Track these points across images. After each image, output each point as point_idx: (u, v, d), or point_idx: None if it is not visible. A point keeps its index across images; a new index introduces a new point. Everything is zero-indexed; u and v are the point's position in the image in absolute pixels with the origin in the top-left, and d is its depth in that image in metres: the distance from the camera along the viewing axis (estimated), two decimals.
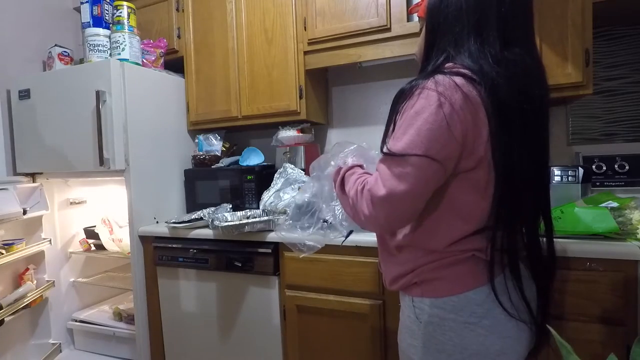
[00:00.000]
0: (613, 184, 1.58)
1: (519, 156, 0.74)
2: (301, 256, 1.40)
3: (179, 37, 2.06)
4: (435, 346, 0.80)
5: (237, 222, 1.55)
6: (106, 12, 1.86)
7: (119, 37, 1.80)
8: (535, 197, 0.82)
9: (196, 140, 2.11)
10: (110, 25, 1.86)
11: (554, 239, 0.86)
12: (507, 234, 0.77)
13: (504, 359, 0.78)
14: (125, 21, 1.83)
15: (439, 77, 0.72)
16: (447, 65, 0.77)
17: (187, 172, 2.03)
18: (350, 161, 0.98)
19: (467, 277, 0.79)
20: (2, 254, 1.68)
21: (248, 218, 1.60)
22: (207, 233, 1.66)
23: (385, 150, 0.74)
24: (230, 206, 1.79)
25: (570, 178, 1.38)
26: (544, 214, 0.85)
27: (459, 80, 0.71)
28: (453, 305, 0.78)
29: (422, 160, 0.70)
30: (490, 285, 0.77)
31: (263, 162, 1.97)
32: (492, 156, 0.73)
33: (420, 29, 0.92)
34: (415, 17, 1.63)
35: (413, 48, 1.60)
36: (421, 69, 0.85)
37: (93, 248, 2.11)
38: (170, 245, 1.75)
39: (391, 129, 0.77)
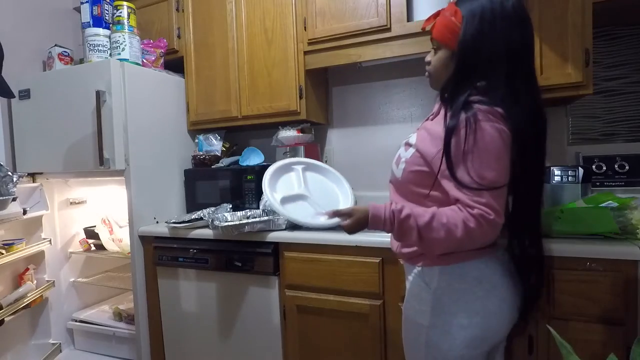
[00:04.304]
0: (613, 184, 1.58)
1: (528, 171, 0.92)
2: None
3: (179, 37, 2.06)
4: (442, 308, 0.93)
5: (237, 222, 1.55)
6: (106, 12, 1.86)
7: (119, 37, 1.80)
8: (533, 200, 0.97)
9: (196, 140, 2.11)
10: (110, 25, 1.85)
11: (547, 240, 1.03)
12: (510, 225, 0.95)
13: (500, 319, 0.94)
14: (125, 21, 1.83)
15: (484, 108, 0.84)
16: (474, 93, 0.88)
17: (187, 172, 2.03)
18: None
19: (470, 249, 0.91)
20: (2, 254, 1.68)
21: (248, 218, 1.60)
22: (207, 233, 1.66)
23: (475, 186, 0.83)
24: (230, 206, 1.79)
25: (570, 178, 1.38)
26: (537, 213, 0.98)
27: (500, 110, 0.85)
28: (460, 272, 0.93)
29: (507, 186, 0.86)
30: (491, 258, 0.94)
31: (263, 162, 1.97)
32: (518, 172, 0.89)
33: (434, 49, 0.99)
34: (415, 18, 1.63)
35: (413, 48, 1.62)
36: (450, 97, 0.92)
37: (93, 248, 2.11)
38: (170, 245, 1.75)
39: (455, 161, 0.86)
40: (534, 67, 0.94)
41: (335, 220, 1.01)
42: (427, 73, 1.03)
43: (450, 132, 0.86)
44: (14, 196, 1.53)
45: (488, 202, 0.82)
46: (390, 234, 0.96)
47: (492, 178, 0.83)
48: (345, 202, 1.31)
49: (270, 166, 1.43)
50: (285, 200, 1.32)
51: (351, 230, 0.95)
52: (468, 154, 0.84)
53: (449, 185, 0.88)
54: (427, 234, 0.86)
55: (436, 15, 0.97)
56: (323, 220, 1.13)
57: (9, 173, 1.49)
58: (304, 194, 1.33)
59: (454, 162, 0.85)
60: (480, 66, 0.89)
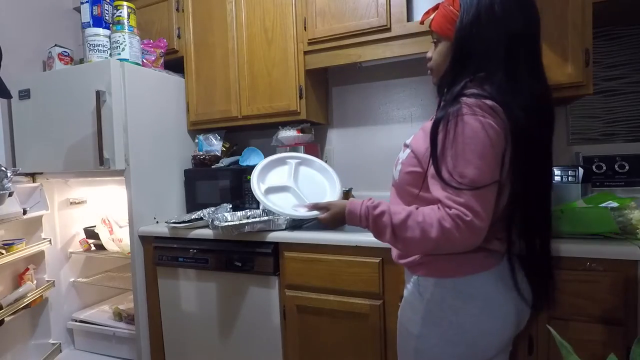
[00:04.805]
0: (613, 184, 1.58)
1: (531, 172, 0.84)
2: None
3: (179, 37, 2.06)
4: (432, 320, 0.89)
5: (237, 222, 1.55)
6: (106, 12, 1.86)
7: (119, 37, 1.80)
8: (541, 203, 0.91)
9: (196, 140, 2.11)
10: (110, 25, 1.85)
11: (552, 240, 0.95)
12: (513, 233, 0.88)
13: (491, 338, 0.88)
14: (125, 21, 1.83)
15: (471, 101, 0.78)
16: (469, 85, 0.83)
17: (187, 172, 2.03)
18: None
19: (468, 263, 0.87)
20: (2, 254, 1.68)
21: (248, 218, 1.60)
22: (207, 233, 1.66)
23: (455, 184, 0.77)
24: (230, 206, 1.79)
25: (570, 178, 1.38)
26: (546, 217, 0.93)
27: (489, 102, 0.78)
28: (454, 286, 0.88)
29: (494, 185, 0.79)
30: (490, 272, 0.87)
31: None
32: (511, 171, 0.81)
33: (434, 42, 0.96)
34: (415, 18, 1.63)
35: (413, 48, 1.62)
36: (447, 89, 0.88)
37: (93, 248, 2.11)
38: (170, 245, 1.75)
39: (440, 158, 0.81)
40: (538, 57, 0.87)
41: (314, 212, 1.04)
42: (429, 70, 0.99)
43: (435, 126, 0.82)
44: (10, 191, 1.52)
45: (467, 202, 0.76)
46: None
47: (472, 176, 0.76)
48: (332, 197, 1.32)
49: (265, 158, 1.43)
50: (271, 190, 1.32)
51: (329, 223, 0.97)
52: (448, 150, 0.79)
53: (433, 185, 0.83)
54: (401, 233, 0.82)
55: (435, 8, 0.94)
56: (302, 212, 1.15)
57: (3, 168, 1.48)
58: (289, 186, 1.34)
59: (438, 158, 0.80)
60: (478, 55, 0.84)
